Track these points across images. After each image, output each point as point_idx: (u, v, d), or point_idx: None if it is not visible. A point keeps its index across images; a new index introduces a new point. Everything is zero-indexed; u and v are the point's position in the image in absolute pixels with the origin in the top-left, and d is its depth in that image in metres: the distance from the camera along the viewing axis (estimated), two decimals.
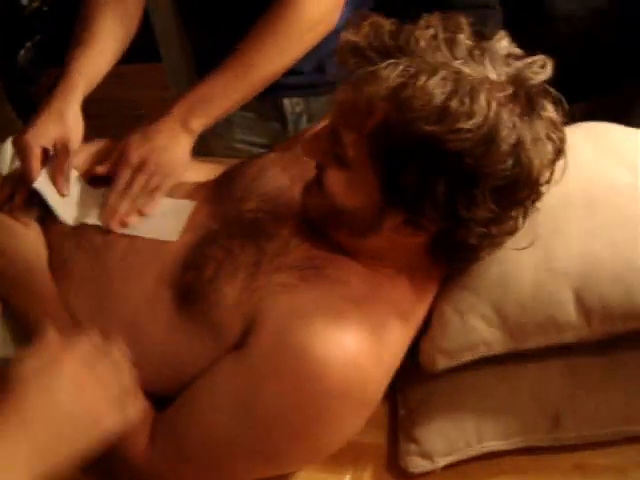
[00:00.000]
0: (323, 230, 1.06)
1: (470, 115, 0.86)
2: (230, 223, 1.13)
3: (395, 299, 1.02)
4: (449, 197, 0.89)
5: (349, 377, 0.94)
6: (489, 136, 0.87)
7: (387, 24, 0.93)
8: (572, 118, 0.98)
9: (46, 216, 1.22)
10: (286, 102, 1.57)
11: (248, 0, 1.29)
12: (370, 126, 0.91)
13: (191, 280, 1.06)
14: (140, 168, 1.19)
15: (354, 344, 0.95)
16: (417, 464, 1.05)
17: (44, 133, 1.19)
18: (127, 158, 1.20)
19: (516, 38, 0.96)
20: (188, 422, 1.01)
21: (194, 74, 1.93)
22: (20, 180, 1.23)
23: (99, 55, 1.29)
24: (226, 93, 1.25)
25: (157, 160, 1.20)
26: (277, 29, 1.25)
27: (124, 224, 1.17)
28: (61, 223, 1.20)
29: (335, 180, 0.99)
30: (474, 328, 1.03)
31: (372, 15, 0.94)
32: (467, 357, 1.04)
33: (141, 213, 1.19)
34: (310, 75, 1.50)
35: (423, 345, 1.06)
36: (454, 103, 0.86)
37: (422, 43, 0.90)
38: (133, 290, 1.10)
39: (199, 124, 1.24)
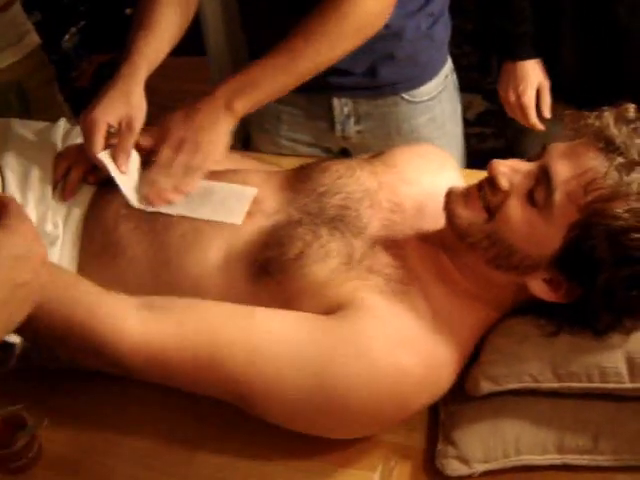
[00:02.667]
0: (448, 237, 1.08)
1: None
2: (314, 215, 1.15)
3: (458, 333, 1.06)
4: (623, 286, 0.96)
5: (410, 395, 1.02)
6: None
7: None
8: None
9: (101, 196, 1.23)
10: (335, 102, 1.57)
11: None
12: (584, 202, 0.96)
13: (272, 256, 1.08)
14: (180, 147, 1.20)
15: (421, 370, 1.01)
16: (453, 467, 1.04)
17: (111, 111, 1.20)
18: (168, 136, 1.21)
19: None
20: (243, 334, 1.02)
21: (239, 69, 1.94)
22: (77, 155, 1.25)
23: (160, 40, 1.31)
24: (271, 79, 1.26)
25: (197, 140, 1.21)
26: (329, 22, 1.26)
27: (166, 201, 1.19)
28: (116, 204, 1.21)
29: (518, 213, 1.00)
30: (524, 358, 1.03)
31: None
32: (512, 385, 1.04)
33: (181, 192, 1.20)
34: (361, 77, 1.50)
35: (471, 370, 1.07)
36: None
37: None
38: (194, 262, 1.12)
39: (242, 106, 1.24)
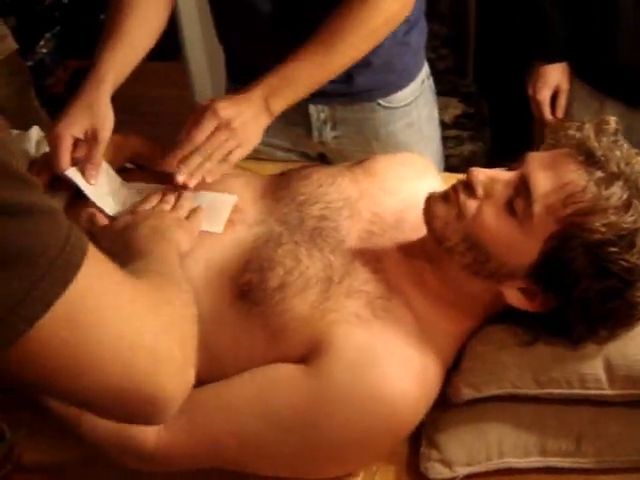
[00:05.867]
0: (428, 244, 1.08)
1: None
2: (293, 227, 1.14)
3: (442, 343, 1.06)
4: (599, 298, 0.97)
5: (408, 419, 1.00)
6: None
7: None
8: None
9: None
10: (312, 109, 1.57)
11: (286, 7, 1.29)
12: (563, 214, 0.96)
13: (253, 282, 1.07)
14: (224, 126, 1.19)
15: (416, 390, 0.99)
16: (437, 470, 1.05)
17: (75, 123, 1.20)
18: (216, 111, 1.19)
19: None
20: (227, 419, 1.01)
21: (216, 75, 1.93)
22: (44, 164, 1.25)
23: (129, 49, 1.30)
24: (308, 77, 1.28)
25: (241, 125, 1.20)
26: (359, 18, 1.28)
27: (188, 181, 1.17)
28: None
29: (494, 221, 1.01)
30: (503, 365, 1.04)
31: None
32: (492, 391, 1.05)
33: (204, 180, 1.19)
34: (337, 84, 1.49)
35: (452, 377, 1.07)
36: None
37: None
38: None
39: (279, 106, 1.26)
